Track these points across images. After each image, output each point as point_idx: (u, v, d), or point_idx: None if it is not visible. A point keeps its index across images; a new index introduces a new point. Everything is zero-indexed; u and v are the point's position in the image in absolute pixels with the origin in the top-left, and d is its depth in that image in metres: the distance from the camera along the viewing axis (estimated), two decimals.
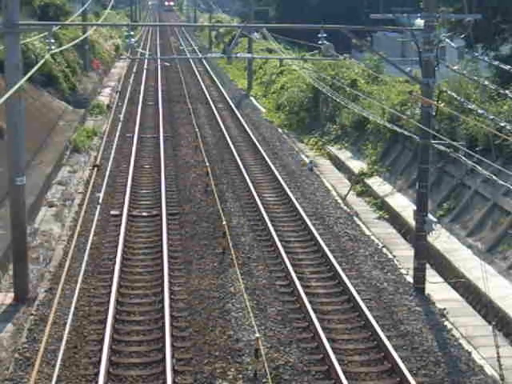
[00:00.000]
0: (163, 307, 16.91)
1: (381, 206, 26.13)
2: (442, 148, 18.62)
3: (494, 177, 16.48)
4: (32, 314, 16.88)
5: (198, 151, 32.37)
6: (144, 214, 24.37)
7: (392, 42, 47.62)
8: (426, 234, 18.75)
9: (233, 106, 45.30)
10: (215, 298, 18.09)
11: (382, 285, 19.11)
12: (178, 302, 17.72)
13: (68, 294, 17.62)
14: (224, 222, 20.96)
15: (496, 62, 19.03)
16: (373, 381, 14.67)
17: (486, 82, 20.72)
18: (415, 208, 18.90)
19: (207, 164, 28.16)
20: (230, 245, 20.24)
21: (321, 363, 15.15)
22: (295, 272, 19.28)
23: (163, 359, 14.83)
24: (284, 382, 14.46)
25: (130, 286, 18.70)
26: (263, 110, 45.30)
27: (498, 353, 15.07)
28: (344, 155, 32.69)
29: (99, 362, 14.63)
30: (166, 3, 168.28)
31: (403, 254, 21.26)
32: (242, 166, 30.03)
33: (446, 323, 17.12)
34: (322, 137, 36.30)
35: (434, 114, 18.27)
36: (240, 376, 14.61)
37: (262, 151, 32.76)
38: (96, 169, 28.80)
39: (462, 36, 22.01)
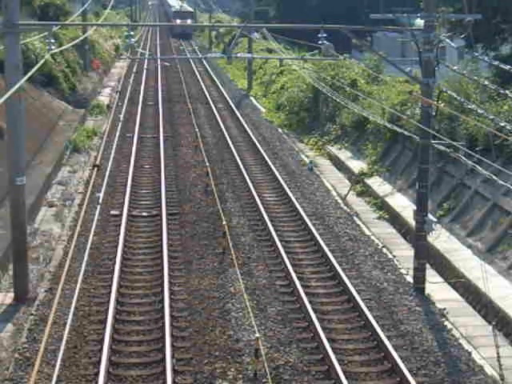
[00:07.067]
0: (163, 307, 16.91)
1: (381, 206, 26.13)
2: (442, 148, 18.61)
3: (494, 177, 16.46)
4: (32, 314, 16.88)
5: (197, 151, 32.36)
6: (144, 214, 24.37)
7: (392, 42, 47.59)
8: (426, 234, 18.75)
9: (233, 105, 45.30)
10: (215, 297, 18.09)
11: (382, 285, 19.11)
12: (177, 302, 17.72)
13: (68, 294, 17.62)
14: (224, 222, 20.95)
15: (496, 62, 18.99)
16: (373, 381, 14.67)
17: (486, 82, 20.71)
18: (415, 208, 18.90)
19: (207, 164, 28.15)
20: (230, 245, 20.24)
21: (321, 363, 15.15)
22: (295, 272, 19.28)
23: (163, 359, 14.83)
24: (284, 382, 14.46)
25: (130, 285, 18.70)
26: (263, 110, 45.30)
27: (497, 353, 15.08)
28: (344, 155, 32.69)
29: (99, 361, 14.64)
30: (178, 21, 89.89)
31: (403, 254, 21.26)
32: (241, 166, 30.03)
33: (446, 323, 17.12)
34: (322, 137, 36.31)
35: (433, 114, 18.27)
36: (240, 376, 14.61)
37: (262, 151, 32.76)
38: (96, 169, 28.79)
39: (462, 36, 21.99)
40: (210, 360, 15.17)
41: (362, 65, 37.20)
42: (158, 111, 42.22)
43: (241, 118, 41.05)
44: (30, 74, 14.62)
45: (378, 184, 28.01)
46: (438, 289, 19.02)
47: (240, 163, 30.57)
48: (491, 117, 18.60)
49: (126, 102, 44.50)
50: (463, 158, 18.07)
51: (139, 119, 39.85)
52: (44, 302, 17.51)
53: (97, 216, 21.39)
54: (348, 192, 27.69)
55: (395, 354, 15.05)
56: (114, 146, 32.38)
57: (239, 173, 29.56)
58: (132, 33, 22.28)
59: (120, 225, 22.56)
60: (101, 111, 42.22)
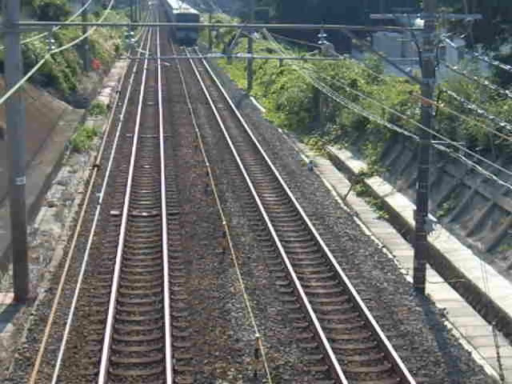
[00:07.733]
0: (163, 307, 16.91)
1: (381, 206, 26.12)
2: (442, 148, 18.62)
3: (494, 177, 16.46)
4: (32, 314, 16.88)
5: (197, 151, 32.36)
6: (144, 214, 24.37)
7: (392, 42, 47.58)
8: (426, 234, 18.75)
9: (233, 105, 45.30)
10: (215, 297, 18.09)
11: (382, 285, 19.11)
12: (177, 302, 17.72)
13: (68, 294, 17.62)
14: (224, 222, 20.95)
15: (496, 62, 19.01)
16: (373, 381, 14.66)
17: (486, 82, 20.71)
18: (415, 208, 18.89)
19: (207, 164, 28.14)
20: (230, 245, 20.23)
21: (321, 363, 15.15)
22: (295, 272, 19.28)
23: (163, 359, 14.83)
24: (284, 382, 14.45)
25: (130, 285, 18.70)
26: (263, 110, 45.30)
27: (497, 353, 15.07)
28: (344, 155, 32.68)
29: (99, 361, 14.63)
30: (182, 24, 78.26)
31: (403, 253, 21.26)
32: (241, 166, 30.03)
33: (446, 323, 17.12)
34: (322, 137, 36.31)
35: (433, 114, 18.27)
36: (240, 376, 14.60)
37: (262, 151, 32.76)
38: (96, 169, 28.78)
39: (462, 36, 21.99)
40: (209, 360, 15.17)
41: (362, 65, 37.19)
42: (157, 111, 42.21)
43: (241, 118, 41.05)
44: (30, 74, 14.62)
45: (378, 184, 28.01)
46: (437, 289, 19.01)
47: (240, 163, 30.57)
48: (491, 117, 18.61)
49: (125, 101, 44.49)
50: (463, 158, 18.07)
51: (139, 119, 39.85)
52: (44, 302, 17.51)
53: (97, 216, 21.39)
54: (348, 192, 27.68)
55: (395, 354, 15.04)
56: (114, 146, 32.36)
57: (239, 173, 29.55)
58: (132, 33, 22.32)
59: (120, 225, 22.56)
60: (101, 111, 42.22)
